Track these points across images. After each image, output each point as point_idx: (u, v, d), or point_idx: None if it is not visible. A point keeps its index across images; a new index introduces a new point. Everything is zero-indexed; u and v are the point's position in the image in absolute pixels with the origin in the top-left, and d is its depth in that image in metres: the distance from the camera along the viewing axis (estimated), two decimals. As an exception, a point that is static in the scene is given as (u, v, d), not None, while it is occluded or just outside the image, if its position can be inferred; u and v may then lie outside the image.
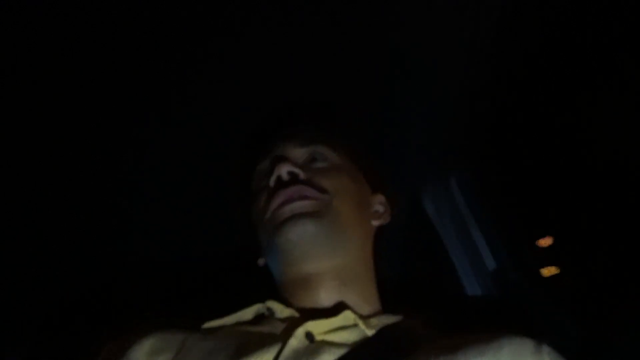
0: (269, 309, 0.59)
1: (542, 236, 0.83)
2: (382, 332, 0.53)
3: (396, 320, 0.57)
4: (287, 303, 0.59)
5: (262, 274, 0.69)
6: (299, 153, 0.66)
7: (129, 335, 0.55)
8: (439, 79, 0.80)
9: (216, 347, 0.52)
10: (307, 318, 0.53)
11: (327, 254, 0.58)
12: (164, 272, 0.92)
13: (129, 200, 0.84)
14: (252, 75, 0.74)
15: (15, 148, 0.73)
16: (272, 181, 0.61)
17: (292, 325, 0.53)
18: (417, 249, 0.97)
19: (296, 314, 0.57)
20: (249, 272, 0.78)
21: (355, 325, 0.53)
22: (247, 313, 0.59)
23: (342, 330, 0.52)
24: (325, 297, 0.58)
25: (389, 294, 0.63)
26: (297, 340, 0.50)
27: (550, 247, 0.81)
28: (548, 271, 0.78)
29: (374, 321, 0.55)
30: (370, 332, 0.53)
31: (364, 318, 0.55)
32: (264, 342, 0.50)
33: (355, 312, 0.54)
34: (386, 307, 0.62)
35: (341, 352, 0.49)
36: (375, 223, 0.68)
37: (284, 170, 0.61)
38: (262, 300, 0.60)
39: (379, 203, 0.71)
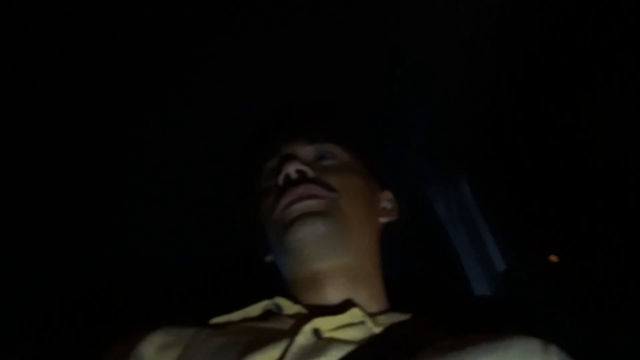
0: (277, 305, 0.59)
1: (550, 239, 0.82)
2: (389, 329, 0.53)
3: (404, 319, 0.57)
4: (295, 300, 0.59)
5: (263, 274, 0.69)
6: (306, 151, 0.66)
7: (138, 331, 0.55)
8: (439, 79, 0.80)
9: (224, 342, 0.52)
10: (314, 315, 0.53)
11: (335, 253, 0.59)
12: (164, 272, 0.92)
13: (129, 200, 0.84)
14: (252, 75, 0.74)
15: (15, 148, 0.73)
16: (280, 180, 0.61)
17: (299, 322, 0.53)
18: (426, 249, 0.97)
19: (304, 311, 0.57)
20: (250, 271, 0.78)
21: (362, 323, 0.53)
22: (255, 309, 0.59)
23: (349, 327, 0.53)
24: (333, 295, 0.58)
25: (397, 294, 0.63)
26: (304, 336, 0.50)
27: (556, 247, 0.80)
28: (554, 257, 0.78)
29: (382, 319, 0.55)
30: (377, 330, 0.53)
31: (372, 315, 0.55)
32: (271, 338, 0.51)
33: (362, 309, 0.55)
34: (394, 305, 0.62)
35: (348, 349, 0.49)
36: (383, 220, 0.69)
37: (292, 168, 0.61)
38: (266, 298, 0.60)
39: (386, 200, 0.71)
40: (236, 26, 0.67)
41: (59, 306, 0.90)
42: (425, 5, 0.68)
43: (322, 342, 0.50)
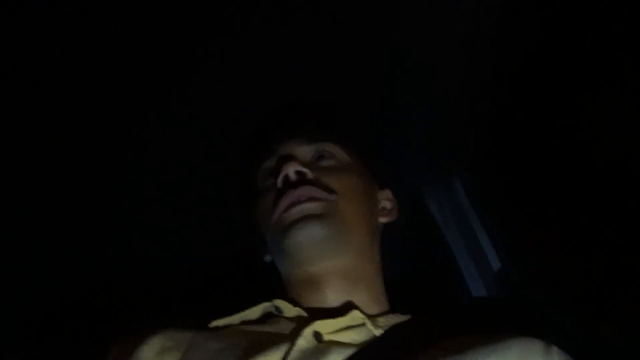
0: (276, 308, 0.58)
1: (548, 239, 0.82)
2: (389, 332, 0.53)
3: (404, 320, 0.57)
4: (294, 302, 0.59)
5: (263, 274, 0.69)
6: (305, 151, 0.66)
7: (137, 335, 0.55)
8: (442, 78, 0.80)
9: (224, 346, 0.52)
10: (314, 317, 0.53)
11: (335, 256, 0.58)
12: (164, 272, 0.92)
13: (129, 200, 0.84)
14: (252, 75, 0.74)
15: (16, 148, 0.73)
16: (279, 181, 0.61)
17: (299, 325, 0.53)
18: (422, 250, 0.97)
19: (304, 313, 0.56)
20: (249, 272, 0.78)
21: (363, 325, 0.53)
22: (255, 311, 0.59)
23: (350, 330, 0.52)
24: (333, 297, 0.58)
25: (393, 295, 0.63)
26: (305, 340, 0.50)
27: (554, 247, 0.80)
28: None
29: (382, 321, 0.55)
30: (378, 332, 0.52)
31: (372, 317, 0.55)
32: (272, 342, 0.50)
33: (363, 311, 0.54)
34: (392, 306, 0.62)
35: (349, 352, 0.49)
36: (383, 220, 0.68)
37: (291, 169, 0.61)
38: (265, 300, 0.60)
39: (386, 199, 0.71)
40: (236, 26, 0.67)
41: (59, 306, 0.90)
42: (425, 6, 0.68)
43: (322, 346, 0.50)
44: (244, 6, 0.64)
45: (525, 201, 0.83)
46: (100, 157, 0.78)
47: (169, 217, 0.88)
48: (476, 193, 0.91)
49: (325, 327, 0.52)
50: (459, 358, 0.45)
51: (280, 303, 0.58)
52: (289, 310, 0.57)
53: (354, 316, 0.53)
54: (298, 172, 0.61)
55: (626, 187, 0.68)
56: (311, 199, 0.58)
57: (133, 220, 0.87)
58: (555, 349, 0.47)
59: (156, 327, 0.55)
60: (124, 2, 0.61)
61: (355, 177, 0.65)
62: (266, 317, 0.59)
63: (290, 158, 0.63)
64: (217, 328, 0.57)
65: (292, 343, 0.49)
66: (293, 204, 0.58)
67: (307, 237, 0.57)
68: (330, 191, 0.60)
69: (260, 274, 0.69)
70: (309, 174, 0.61)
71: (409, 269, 0.94)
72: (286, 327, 0.55)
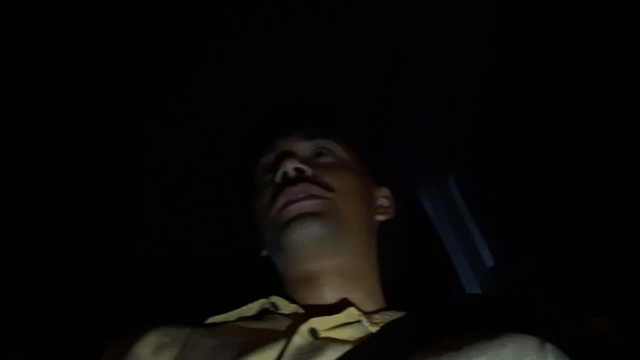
0: (273, 304, 0.58)
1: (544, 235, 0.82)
2: (385, 328, 0.53)
3: (399, 317, 0.57)
4: (291, 299, 0.59)
5: (262, 274, 0.69)
6: (304, 147, 0.65)
7: (134, 332, 0.55)
8: (438, 79, 0.80)
9: (221, 342, 0.52)
10: (311, 314, 0.53)
11: (332, 254, 0.58)
12: (163, 272, 0.92)
13: (128, 201, 0.84)
14: (252, 75, 0.74)
15: (16, 148, 0.73)
16: (278, 177, 0.61)
17: (296, 321, 0.53)
18: (416, 248, 0.97)
19: (300, 310, 0.57)
20: (248, 271, 0.78)
21: (359, 322, 0.53)
22: (251, 308, 0.59)
23: (346, 326, 0.52)
24: (330, 294, 0.58)
25: (389, 292, 0.63)
26: (301, 337, 0.50)
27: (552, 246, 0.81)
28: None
29: (378, 318, 0.55)
30: (374, 329, 0.53)
31: (368, 314, 0.55)
32: (268, 338, 0.50)
33: (359, 308, 0.54)
34: (389, 304, 0.62)
35: (345, 348, 0.49)
36: (380, 218, 0.68)
37: (290, 166, 0.61)
38: (262, 296, 0.60)
39: (383, 197, 0.71)
40: (236, 26, 0.67)
41: (59, 306, 0.90)
42: (425, 6, 0.68)
43: (318, 342, 0.50)
44: (244, 6, 0.64)
45: (519, 200, 0.83)
46: (100, 157, 0.78)
47: (168, 217, 0.88)
48: (471, 192, 0.91)
49: (322, 324, 0.52)
50: (453, 355, 0.45)
51: (277, 300, 0.58)
52: (286, 307, 0.57)
53: (350, 313, 0.53)
54: (297, 169, 0.61)
55: (620, 184, 0.68)
56: (310, 196, 0.59)
57: (133, 221, 0.87)
58: (549, 345, 0.47)
59: (153, 324, 0.55)
60: (124, 2, 0.61)
61: (354, 175, 0.65)
62: (263, 314, 0.59)
63: (289, 154, 0.63)
64: (213, 324, 0.57)
65: (289, 340, 0.49)
66: (291, 201, 0.58)
67: (305, 235, 0.57)
68: (329, 189, 0.60)
69: (258, 273, 0.69)
70: (308, 171, 0.61)
71: (404, 266, 0.94)
72: (283, 324, 0.55)
